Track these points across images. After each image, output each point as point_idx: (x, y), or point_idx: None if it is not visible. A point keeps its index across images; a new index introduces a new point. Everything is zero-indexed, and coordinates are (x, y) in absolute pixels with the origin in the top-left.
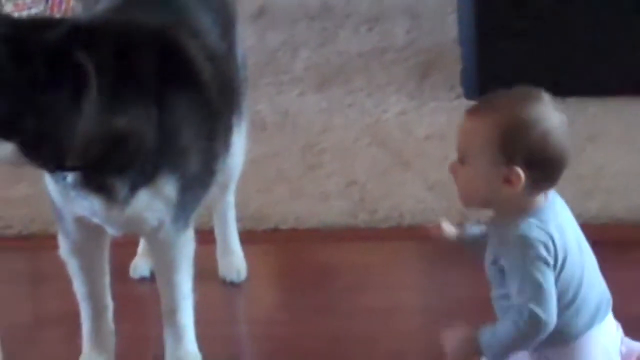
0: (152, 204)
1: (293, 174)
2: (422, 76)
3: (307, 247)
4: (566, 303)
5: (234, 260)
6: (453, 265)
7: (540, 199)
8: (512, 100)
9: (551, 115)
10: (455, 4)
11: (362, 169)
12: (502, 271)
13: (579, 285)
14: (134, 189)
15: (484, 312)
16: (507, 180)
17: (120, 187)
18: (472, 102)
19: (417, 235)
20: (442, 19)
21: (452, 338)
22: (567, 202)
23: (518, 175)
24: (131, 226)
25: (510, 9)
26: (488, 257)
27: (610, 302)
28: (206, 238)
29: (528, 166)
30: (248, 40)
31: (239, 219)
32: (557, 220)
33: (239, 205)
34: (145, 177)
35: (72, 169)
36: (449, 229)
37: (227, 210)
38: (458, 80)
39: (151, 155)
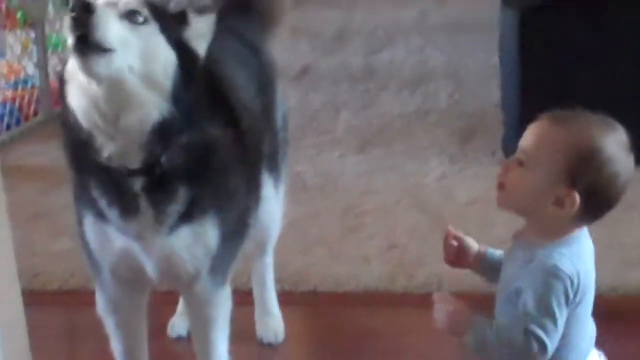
0: (193, 244)
1: (333, 236)
2: (464, 140)
3: (345, 311)
4: (571, 336)
5: (272, 322)
6: None
7: (576, 229)
8: (596, 126)
9: (624, 156)
10: (498, 69)
11: (402, 233)
12: (517, 292)
13: (586, 320)
14: (181, 218)
15: None
16: (559, 201)
17: (177, 203)
18: None
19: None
20: (485, 84)
21: (446, 304)
22: (609, 270)
23: (574, 201)
24: (168, 267)
25: (554, 76)
26: (506, 275)
27: (594, 339)
28: (245, 299)
29: (586, 196)
30: (291, 101)
31: (277, 280)
32: (586, 258)
33: (278, 266)
34: (193, 211)
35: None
36: (472, 243)
37: (265, 271)
38: (499, 145)
39: (204, 191)
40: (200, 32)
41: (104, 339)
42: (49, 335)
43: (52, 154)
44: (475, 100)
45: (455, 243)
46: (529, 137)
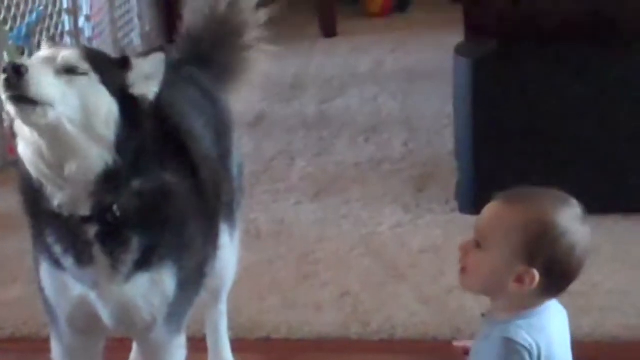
0: (149, 292)
1: (287, 284)
2: (418, 189)
3: (299, 358)
4: None
5: None
6: None
7: (542, 302)
8: (548, 202)
9: (580, 228)
10: (452, 118)
11: (356, 280)
12: None
13: None
14: (138, 265)
15: None
16: (519, 279)
17: (131, 251)
18: (466, 216)
19: (408, 349)
20: (439, 132)
21: None
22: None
23: (533, 278)
24: (125, 316)
25: (507, 125)
26: (472, 352)
27: None
28: (198, 346)
29: (545, 272)
30: (245, 148)
31: (231, 327)
32: (548, 328)
33: (231, 313)
34: (150, 259)
35: (109, 212)
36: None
37: (219, 318)
38: (453, 194)
39: (160, 239)
40: (147, 73)
41: None
42: None
43: (7, 200)
44: (429, 149)
45: (465, 355)
46: (483, 218)
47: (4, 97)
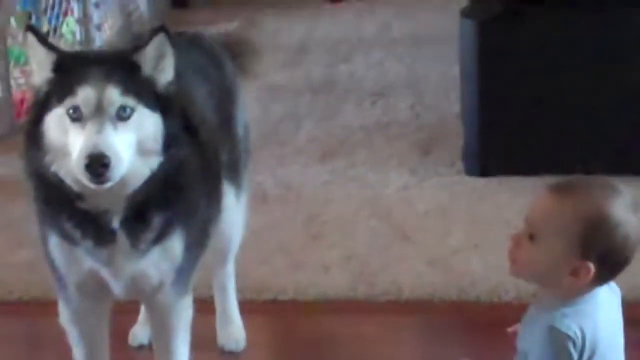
0: (160, 260)
1: (294, 245)
2: (424, 151)
3: (306, 319)
4: None
5: (233, 330)
6: (449, 340)
7: (589, 290)
8: (600, 193)
9: (632, 217)
10: (458, 81)
11: (362, 242)
12: (524, 355)
13: None
14: (155, 241)
15: None
16: (575, 272)
17: (152, 229)
18: (472, 178)
19: (415, 310)
20: (445, 95)
21: None
22: None
23: (588, 271)
24: (135, 285)
25: (512, 88)
26: (519, 336)
27: None
28: (206, 307)
29: (600, 264)
30: (252, 112)
31: (239, 289)
32: (595, 313)
33: (239, 276)
34: (165, 232)
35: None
36: None
37: (227, 279)
38: (459, 156)
39: (174, 211)
40: (156, 59)
41: (65, 349)
42: (10, 345)
43: (12, 166)
44: (435, 112)
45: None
46: (536, 211)
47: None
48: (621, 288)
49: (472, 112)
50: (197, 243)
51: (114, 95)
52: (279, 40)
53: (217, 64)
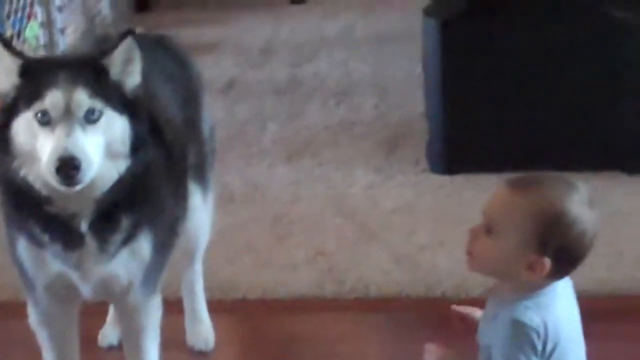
0: (129, 262)
1: (261, 245)
2: (389, 150)
3: (275, 317)
4: None
5: (202, 329)
6: (416, 336)
7: (546, 285)
8: (557, 190)
9: (589, 214)
10: (422, 79)
11: (329, 241)
12: (487, 349)
13: None
14: (123, 243)
15: None
16: (531, 267)
17: (120, 231)
18: (437, 176)
19: (382, 307)
20: (409, 94)
21: (435, 355)
22: None
23: (544, 266)
24: (104, 286)
25: (477, 85)
26: (479, 331)
27: None
28: (175, 307)
29: (556, 259)
30: (217, 113)
31: (207, 289)
32: (556, 306)
33: (207, 275)
34: (133, 234)
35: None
36: (475, 313)
37: (195, 279)
38: (424, 154)
39: (142, 212)
40: (124, 63)
41: (35, 350)
42: None
43: None
44: (399, 111)
45: (460, 321)
46: (493, 205)
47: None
48: (582, 282)
49: (437, 111)
50: (165, 243)
51: (82, 98)
52: (242, 41)
53: (181, 65)
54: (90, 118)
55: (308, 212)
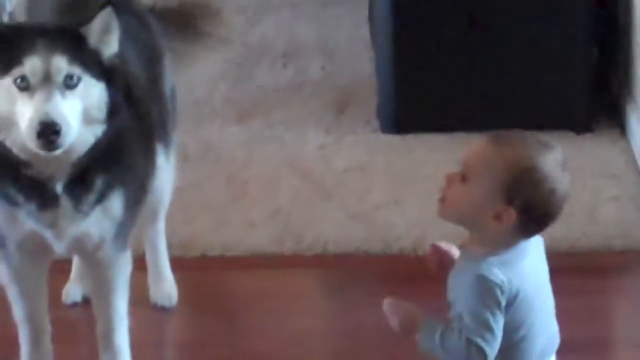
0: (102, 220)
1: (218, 204)
2: (339, 111)
3: (235, 274)
4: (515, 341)
5: (165, 286)
6: (374, 291)
7: (518, 241)
8: (532, 146)
9: (560, 175)
10: (367, 41)
11: (285, 200)
12: (453, 303)
13: (530, 327)
14: (96, 202)
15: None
16: (497, 216)
17: (94, 191)
18: (388, 136)
19: (340, 263)
20: (356, 55)
21: (398, 308)
22: None
23: (510, 217)
24: (76, 243)
25: (427, 44)
26: (448, 284)
27: (557, 345)
28: (138, 265)
29: (522, 212)
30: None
31: (167, 247)
32: (522, 263)
33: (167, 233)
34: (105, 193)
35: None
36: (454, 250)
37: (157, 236)
38: (374, 114)
39: (114, 171)
40: (102, 33)
41: (5, 306)
42: None
43: None
44: (347, 72)
45: (438, 257)
46: (470, 154)
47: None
48: (552, 237)
49: (387, 70)
50: (136, 201)
51: (61, 64)
52: None
53: (144, 26)
54: (69, 84)
55: (262, 172)
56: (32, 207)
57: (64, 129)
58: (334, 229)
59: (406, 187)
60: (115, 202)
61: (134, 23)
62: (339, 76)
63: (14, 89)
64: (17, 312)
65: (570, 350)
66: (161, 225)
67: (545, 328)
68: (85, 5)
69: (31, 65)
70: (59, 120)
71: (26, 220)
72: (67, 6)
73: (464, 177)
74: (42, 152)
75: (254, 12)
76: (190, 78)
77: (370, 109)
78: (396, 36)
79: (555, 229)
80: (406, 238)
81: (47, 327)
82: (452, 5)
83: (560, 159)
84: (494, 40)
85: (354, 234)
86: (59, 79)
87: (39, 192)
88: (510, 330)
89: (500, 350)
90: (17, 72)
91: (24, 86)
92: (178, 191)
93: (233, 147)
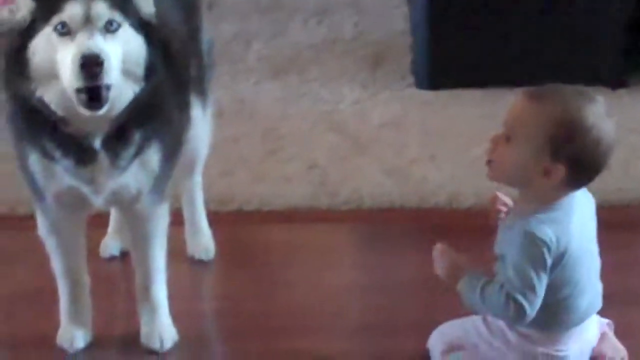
0: (139, 173)
1: (254, 159)
2: (373, 67)
3: (271, 227)
4: (560, 298)
5: (203, 239)
6: (407, 246)
7: (567, 194)
8: (574, 99)
9: (605, 123)
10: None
11: (321, 155)
12: (501, 258)
13: (575, 285)
14: (134, 156)
15: (433, 291)
16: (546, 172)
17: (132, 146)
18: (423, 92)
19: (376, 218)
20: (388, 13)
21: (445, 256)
22: None
23: (558, 171)
24: (114, 197)
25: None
26: (496, 240)
27: (599, 306)
28: (175, 219)
29: (571, 166)
30: None
31: (204, 201)
32: (570, 220)
33: (203, 188)
34: (143, 146)
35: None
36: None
37: (195, 190)
38: (408, 70)
39: (151, 124)
40: None
41: (40, 260)
42: None
43: None
44: (380, 29)
45: (503, 208)
46: (512, 113)
47: (76, 92)
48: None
49: (421, 26)
50: (172, 153)
51: (102, 9)
52: None
53: None
54: (109, 28)
55: (298, 127)
56: (69, 162)
57: (106, 64)
58: (369, 183)
59: (441, 142)
60: (153, 156)
61: None
62: (373, 33)
63: (54, 37)
64: (56, 265)
65: (605, 305)
66: (198, 179)
67: (590, 287)
68: None
69: (71, 10)
70: (101, 54)
71: (64, 176)
72: None
73: (508, 138)
74: (86, 113)
75: None
76: (225, 36)
77: (405, 65)
78: None
79: (591, 184)
80: (441, 192)
81: (86, 281)
82: None
83: (602, 108)
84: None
85: (389, 189)
86: (100, 23)
87: (76, 148)
88: (556, 288)
89: (543, 307)
90: (57, 19)
91: (65, 31)
92: (214, 146)
93: (268, 103)
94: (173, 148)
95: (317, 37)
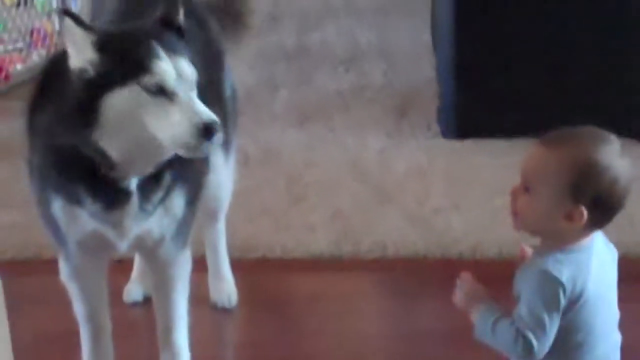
0: (163, 217)
1: (278, 207)
2: (400, 115)
3: (294, 276)
4: (573, 345)
5: (225, 286)
6: (430, 296)
7: (587, 236)
8: (587, 141)
9: (620, 162)
10: (428, 47)
11: (345, 203)
12: (517, 296)
13: (590, 332)
14: (161, 200)
15: (456, 342)
16: (569, 217)
17: (161, 189)
18: (448, 141)
19: (399, 267)
20: (417, 61)
21: (466, 284)
22: None
23: (582, 214)
24: (138, 241)
25: (488, 50)
26: (515, 279)
27: (618, 357)
28: (198, 266)
29: (592, 207)
30: None
31: (228, 248)
32: (588, 263)
33: (227, 235)
34: (169, 191)
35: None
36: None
37: (218, 237)
38: (434, 119)
39: (175, 168)
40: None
41: (63, 304)
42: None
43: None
44: (408, 77)
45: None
46: (528, 163)
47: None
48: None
49: (448, 75)
50: (194, 197)
51: (187, 67)
52: None
53: (203, 26)
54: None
55: (322, 175)
56: (98, 207)
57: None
58: (393, 233)
59: (465, 191)
60: (178, 200)
61: (194, 23)
62: (400, 81)
63: (145, 95)
64: (78, 310)
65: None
66: (221, 227)
67: (606, 337)
68: (149, 7)
69: (165, 71)
70: (217, 122)
71: (88, 220)
72: (132, 8)
73: (526, 188)
74: (191, 154)
75: (315, 17)
76: (252, 82)
77: (431, 114)
78: (458, 42)
79: (612, 235)
80: (465, 242)
81: (108, 325)
82: (515, 11)
83: (617, 147)
84: (556, 47)
85: (413, 238)
86: (192, 84)
87: (109, 192)
88: (569, 332)
89: (557, 353)
90: (149, 78)
91: (156, 91)
92: (239, 194)
93: (294, 151)
94: (195, 192)
95: (344, 85)
